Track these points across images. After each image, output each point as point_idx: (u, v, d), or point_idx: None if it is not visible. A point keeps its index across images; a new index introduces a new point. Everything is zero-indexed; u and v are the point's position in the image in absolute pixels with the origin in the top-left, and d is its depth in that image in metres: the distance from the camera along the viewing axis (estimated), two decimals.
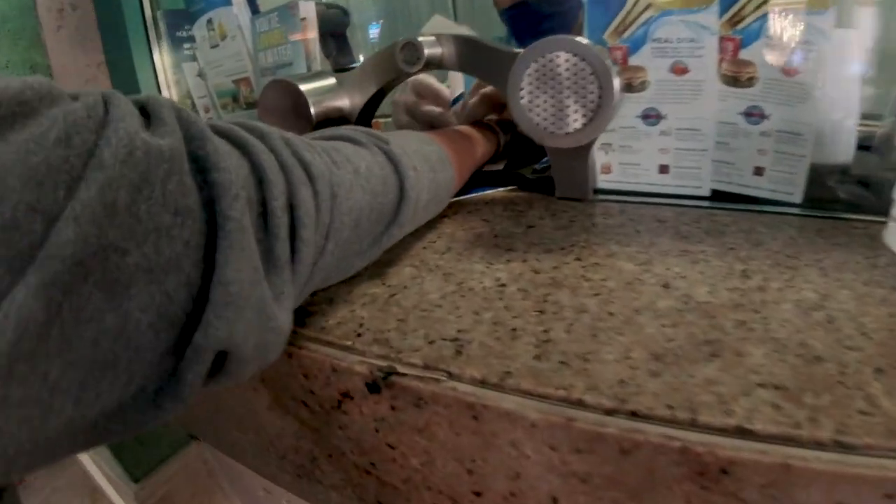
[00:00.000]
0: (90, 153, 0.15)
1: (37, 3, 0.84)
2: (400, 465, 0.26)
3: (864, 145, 0.41)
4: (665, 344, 0.24)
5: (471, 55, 0.45)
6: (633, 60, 0.43)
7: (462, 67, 0.46)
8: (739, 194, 0.42)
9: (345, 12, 0.91)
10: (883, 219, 0.33)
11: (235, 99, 0.90)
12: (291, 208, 0.22)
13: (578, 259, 0.33)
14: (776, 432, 0.19)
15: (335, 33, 0.88)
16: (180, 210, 0.17)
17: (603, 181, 0.47)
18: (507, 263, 0.33)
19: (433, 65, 0.46)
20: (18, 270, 0.13)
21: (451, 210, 0.44)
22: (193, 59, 0.93)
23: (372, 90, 0.48)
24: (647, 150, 0.45)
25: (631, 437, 0.20)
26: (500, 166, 0.55)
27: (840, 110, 0.39)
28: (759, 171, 0.41)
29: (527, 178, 0.51)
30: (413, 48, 0.44)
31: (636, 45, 0.42)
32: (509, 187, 0.50)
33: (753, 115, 0.41)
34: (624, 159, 0.46)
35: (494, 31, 0.77)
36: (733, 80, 0.41)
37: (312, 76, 0.48)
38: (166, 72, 0.95)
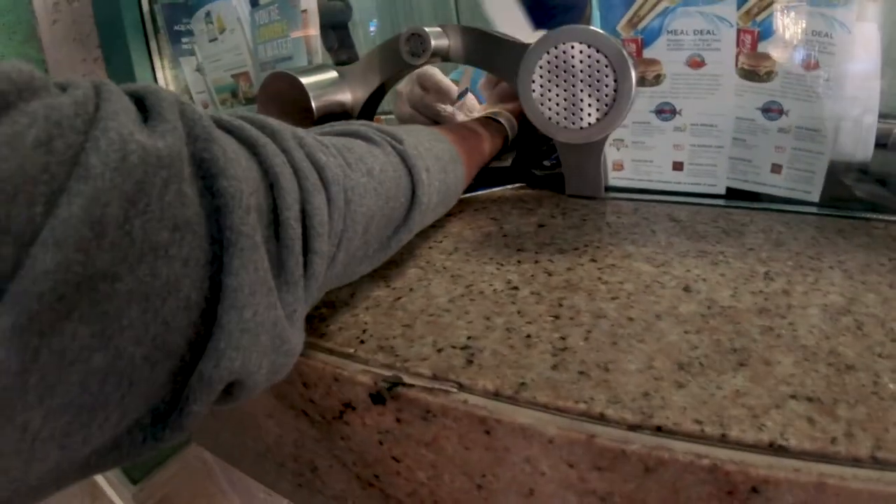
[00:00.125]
0: (75, 159, 0.12)
1: None
2: (405, 479, 0.25)
3: (879, 143, 0.40)
4: (690, 352, 0.23)
5: (479, 46, 0.43)
6: (648, 53, 0.41)
7: (469, 59, 0.44)
8: (754, 192, 0.41)
9: (347, 4, 0.89)
10: None
11: (234, 94, 0.88)
12: (304, 216, 0.20)
13: (593, 260, 0.32)
14: (811, 448, 0.18)
15: (337, 26, 0.87)
16: (180, 224, 0.14)
17: (614, 178, 0.45)
18: (519, 264, 0.32)
19: (439, 57, 0.44)
20: None
21: (458, 208, 0.43)
22: (192, 53, 0.91)
23: (375, 84, 0.47)
24: (661, 147, 0.43)
25: (656, 455, 0.19)
26: (508, 161, 0.53)
27: (859, 106, 0.38)
28: (776, 169, 0.40)
29: (536, 174, 0.50)
30: (419, 39, 0.43)
31: (651, 38, 0.41)
32: (517, 184, 0.49)
33: (772, 110, 0.39)
34: (637, 156, 0.44)
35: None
36: (751, 75, 0.39)
37: (314, 69, 0.47)
38: (164, 67, 0.94)
